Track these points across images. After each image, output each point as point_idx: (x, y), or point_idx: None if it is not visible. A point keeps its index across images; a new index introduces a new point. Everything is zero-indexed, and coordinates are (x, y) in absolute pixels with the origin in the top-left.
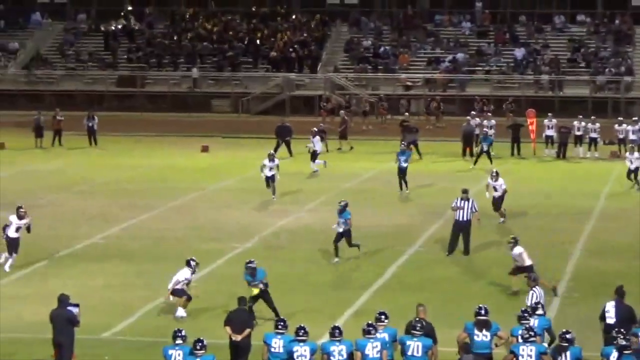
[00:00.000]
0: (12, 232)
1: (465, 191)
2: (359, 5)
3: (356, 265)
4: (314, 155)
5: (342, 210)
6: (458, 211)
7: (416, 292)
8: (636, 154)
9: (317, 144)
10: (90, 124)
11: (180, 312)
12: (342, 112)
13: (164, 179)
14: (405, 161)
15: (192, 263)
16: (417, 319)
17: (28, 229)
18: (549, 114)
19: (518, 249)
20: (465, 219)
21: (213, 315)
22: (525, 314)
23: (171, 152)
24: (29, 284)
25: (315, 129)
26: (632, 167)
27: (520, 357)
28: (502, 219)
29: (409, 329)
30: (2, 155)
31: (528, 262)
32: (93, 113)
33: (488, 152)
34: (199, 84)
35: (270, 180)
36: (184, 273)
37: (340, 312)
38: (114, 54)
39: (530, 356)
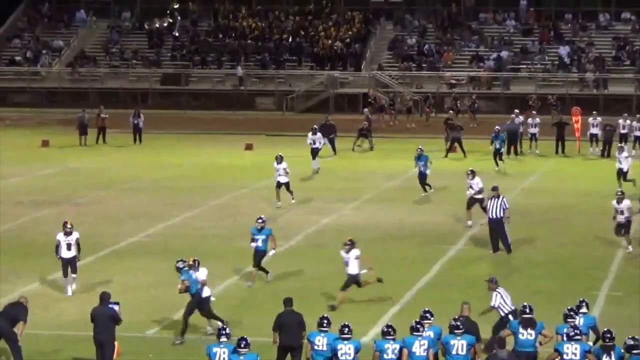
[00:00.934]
0: (64, 252)
1: (494, 188)
2: (403, 3)
3: (401, 264)
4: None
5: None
6: (489, 209)
7: (460, 290)
8: (625, 153)
9: (319, 142)
10: (135, 122)
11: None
12: (365, 110)
13: (207, 177)
14: (425, 166)
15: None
16: (459, 317)
17: (78, 246)
18: (594, 112)
19: None
20: (495, 216)
21: (258, 312)
22: (571, 312)
23: (215, 150)
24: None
25: (315, 126)
26: (622, 167)
27: (564, 356)
28: (469, 222)
29: (452, 329)
30: (46, 153)
31: None
32: (139, 110)
33: (499, 151)
34: (243, 82)
35: (283, 185)
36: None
37: (385, 310)
38: (158, 51)
39: (575, 354)
